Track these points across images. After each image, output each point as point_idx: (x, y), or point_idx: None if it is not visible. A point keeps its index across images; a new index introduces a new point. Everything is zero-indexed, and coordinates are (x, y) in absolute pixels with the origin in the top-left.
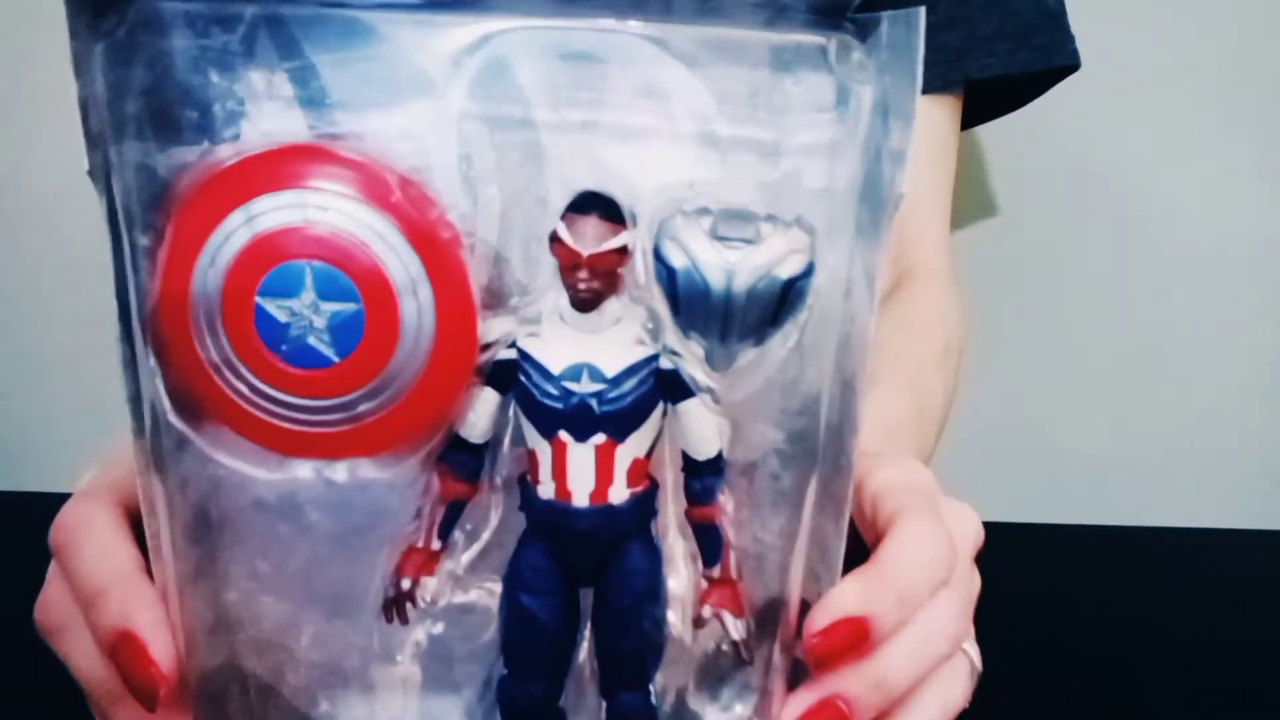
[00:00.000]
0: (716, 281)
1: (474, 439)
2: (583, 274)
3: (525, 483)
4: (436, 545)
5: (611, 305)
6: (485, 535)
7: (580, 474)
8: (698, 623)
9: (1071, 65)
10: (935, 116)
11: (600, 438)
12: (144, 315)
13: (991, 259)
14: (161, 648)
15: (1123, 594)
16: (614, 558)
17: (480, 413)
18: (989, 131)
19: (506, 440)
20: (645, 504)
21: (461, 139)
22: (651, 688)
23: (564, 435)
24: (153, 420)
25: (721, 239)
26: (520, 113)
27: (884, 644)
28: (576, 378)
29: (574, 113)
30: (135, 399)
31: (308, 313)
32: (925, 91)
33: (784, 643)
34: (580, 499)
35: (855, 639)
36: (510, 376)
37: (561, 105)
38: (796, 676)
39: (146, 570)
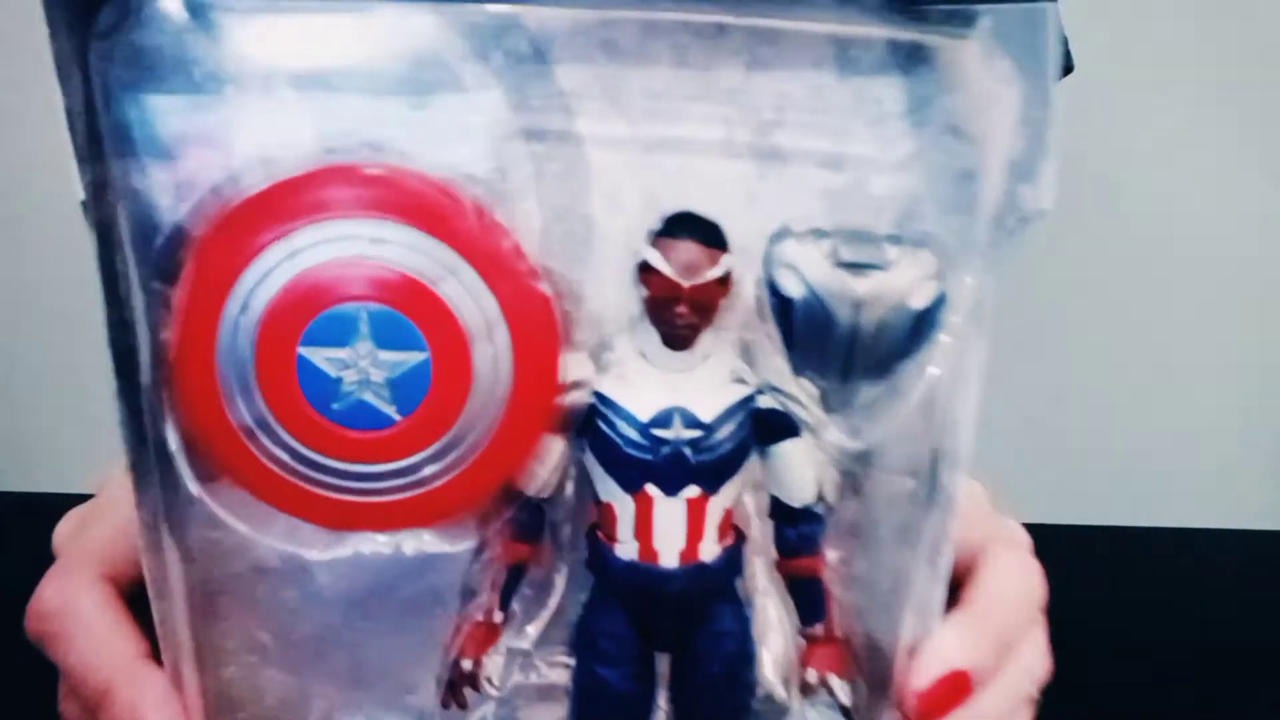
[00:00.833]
0: (842, 314)
1: (538, 495)
2: (681, 308)
3: (597, 540)
4: (499, 618)
5: (704, 340)
6: (551, 602)
7: (669, 531)
8: (804, 689)
9: (1066, 68)
10: None
11: (693, 490)
12: (157, 372)
13: None
14: None
15: (1122, 594)
16: (701, 620)
17: (547, 465)
18: None
19: (569, 492)
20: (735, 560)
21: (494, 149)
22: None
23: (651, 489)
24: (165, 488)
25: (846, 265)
26: (561, 121)
27: (981, 689)
28: (668, 424)
29: (620, 119)
30: (142, 466)
31: (364, 364)
32: None
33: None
34: (669, 559)
35: (958, 693)
36: (585, 424)
37: (608, 110)
38: None
39: (148, 652)
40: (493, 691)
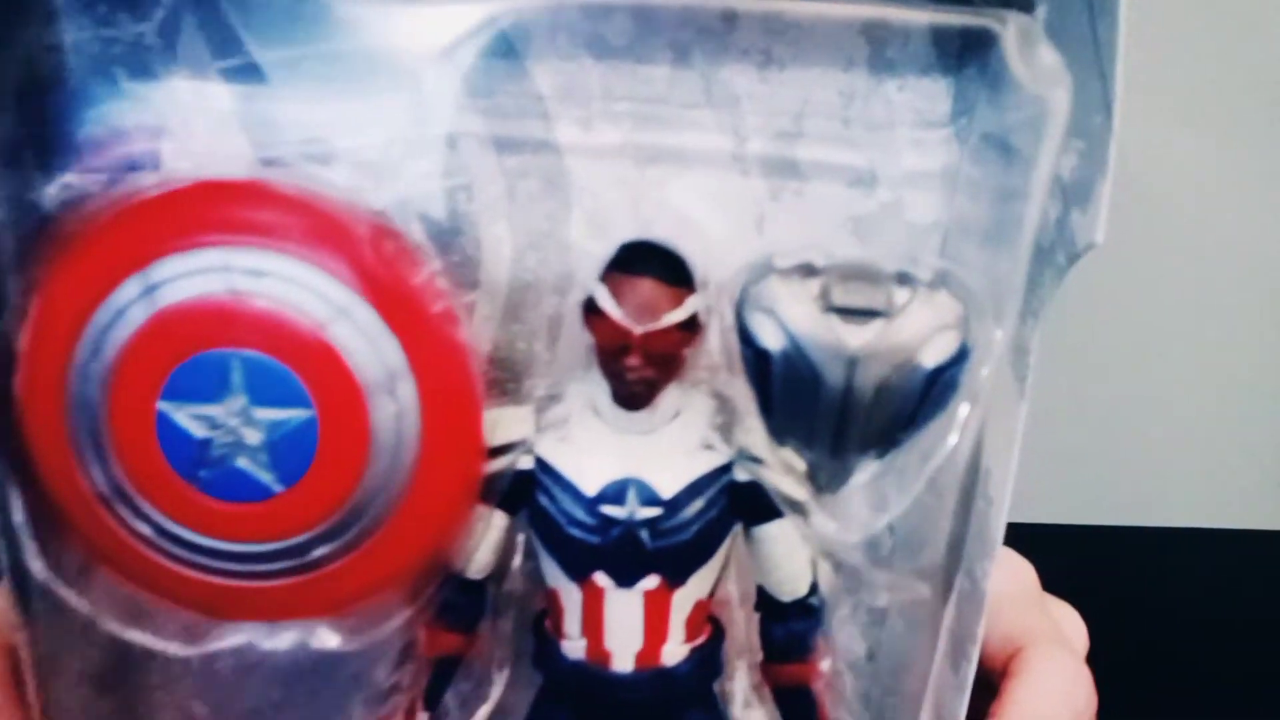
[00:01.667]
0: (832, 373)
1: (472, 575)
2: (633, 360)
3: (544, 632)
4: (423, 718)
5: (669, 396)
6: (487, 705)
7: (623, 629)
8: None
9: None
10: None
11: (652, 581)
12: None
13: None
14: None
15: (1122, 594)
16: None
17: (482, 543)
18: None
19: (515, 569)
20: (708, 661)
21: (457, 163)
22: None
23: (601, 578)
24: (14, 567)
25: (839, 310)
26: (538, 129)
27: None
28: (619, 499)
29: (607, 128)
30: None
31: (236, 424)
32: None
33: None
34: (622, 662)
35: None
36: (521, 495)
37: (593, 117)
38: None
39: None
40: None
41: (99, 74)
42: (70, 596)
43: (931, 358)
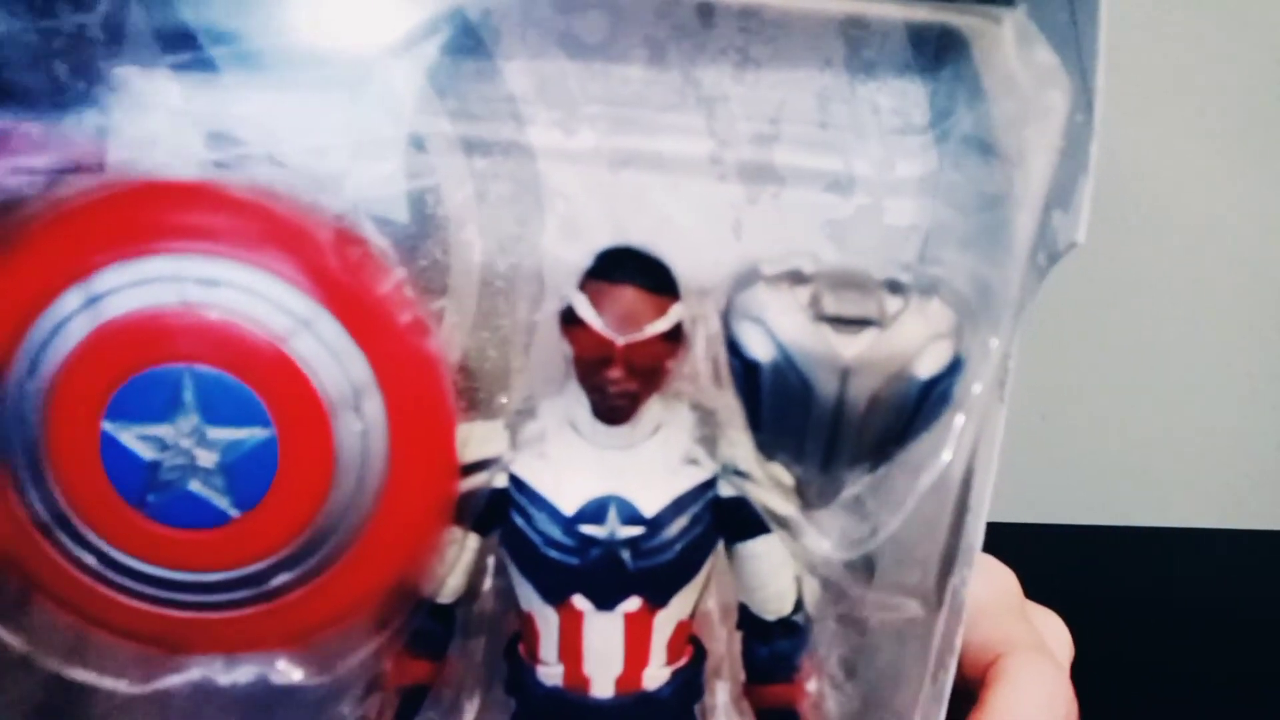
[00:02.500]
0: (824, 384)
1: (441, 600)
2: (615, 372)
3: (518, 657)
4: None
5: (650, 409)
6: None
7: (603, 654)
8: None
9: None
10: None
11: (633, 603)
12: None
13: None
14: None
15: (1122, 595)
16: None
17: (454, 567)
18: None
19: (487, 589)
20: (689, 684)
21: (424, 164)
22: None
23: (580, 601)
24: None
25: (830, 319)
26: (509, 130)
27: None
28: (599, 518)
29: (581, 130)
30: None
31: (188, 444)
32: None
33: None
34: (602, 687)
35: None
36: (494, 515)
37: (566, 119)
38: None
39: None
40: None
41: (36, 68)
42: (3, 633)
43: (926, 369)
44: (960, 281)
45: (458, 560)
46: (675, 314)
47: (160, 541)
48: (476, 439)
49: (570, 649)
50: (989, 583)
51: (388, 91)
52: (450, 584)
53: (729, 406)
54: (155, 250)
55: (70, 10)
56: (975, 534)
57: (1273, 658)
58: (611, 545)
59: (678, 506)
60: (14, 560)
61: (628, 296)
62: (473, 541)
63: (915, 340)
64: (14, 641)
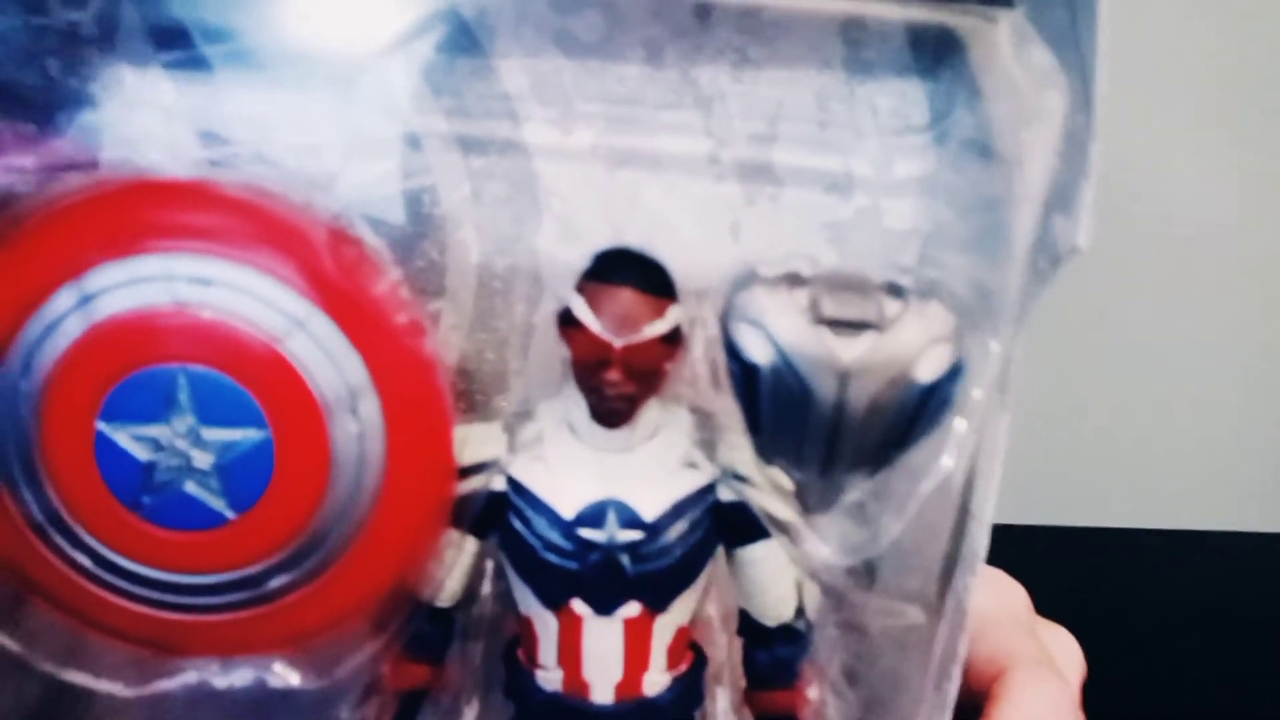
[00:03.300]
0: (823, 388)
1: (440, 603)
2: (613, 374)
3: (516, 661)
4: None
5: (649, 412)
6: None
7: (602, 659)
8: None
9: None
10: None
11: (633, 608)
12: None
13: None
14: None
15: (1122, 596)
16: None
17: (451, 569)
18: None
19: (485, 591)
20: (690, 689)
21: (420, 163)
22: None
23: (579, 606)
24: None
25: (829, 322)
26: (504, 129)
27: None
28: (599, 523)
29: (577, 129)
30: None
31: (183, 445)
32: None
33: None
34: (602, 693)
35: None
36: (492, 518)
37: (562, 118)
38: None
39: None
40: None
41: (28, 66)
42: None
43: (926, 373)
44: (959, 284)
45: (456, 563)
46: (673, 316)
47: (155, 543)
48: (474, 441)
49: (569, 654)
50: (998, 597)
51: (383, 90)
52: (448, 587)
53: (728, 410)
54: (148, 249)
55: (62, 7)
56: (978, 540)
57: (1273, 658)
58: (611, 550)
59: (677, 511)
60: (9, 562)
61: (625, 298)
62: (471, 545)
63: (914, 343)
64: (9, 644)
